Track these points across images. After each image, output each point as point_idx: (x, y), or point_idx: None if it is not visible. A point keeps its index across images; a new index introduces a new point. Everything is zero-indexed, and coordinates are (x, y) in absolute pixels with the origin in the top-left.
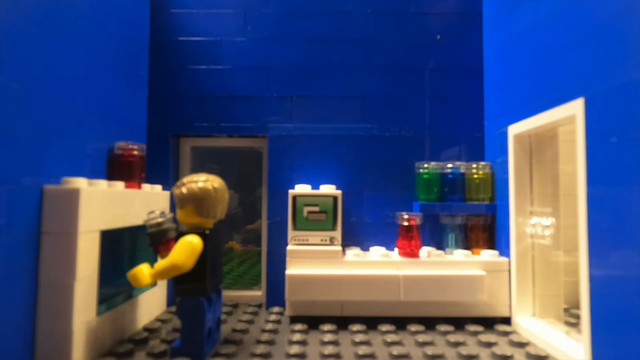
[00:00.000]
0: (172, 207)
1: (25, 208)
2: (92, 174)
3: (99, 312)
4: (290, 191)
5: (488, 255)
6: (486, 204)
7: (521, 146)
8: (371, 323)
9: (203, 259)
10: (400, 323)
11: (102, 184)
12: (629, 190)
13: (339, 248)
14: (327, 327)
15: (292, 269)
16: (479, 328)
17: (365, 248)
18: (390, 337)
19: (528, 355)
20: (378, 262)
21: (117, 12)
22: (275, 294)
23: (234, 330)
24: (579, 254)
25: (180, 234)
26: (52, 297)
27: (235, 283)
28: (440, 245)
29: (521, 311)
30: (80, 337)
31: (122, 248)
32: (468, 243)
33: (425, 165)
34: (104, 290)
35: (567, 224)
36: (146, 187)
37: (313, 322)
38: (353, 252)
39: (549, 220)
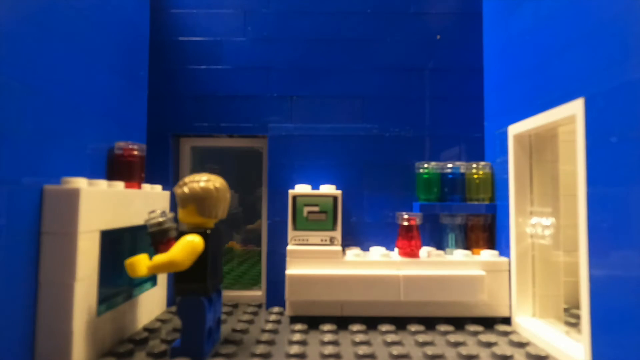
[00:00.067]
0: (172, 207)
1: (25, 208)
2: (92, 174)
3: (99, 312)
4: (290, 191)
5: (488, 255)
6: (486, 204)
7: (521, 146)
8: (371, 323)
9: (204, 259)
10: (400, 323)
11: (102, 184)
12: (629, 190)
13: (339, 248)
14: (327, 327)
15: (292, 269)
16: (479, 328)
17: (365, 248)
18: (390, 337)
19: (528, 355)
20: (378, 262)
21: (117, 12)
22: (275, 294)
23: (234, 330)
24: (579, 254)
25: (181, 234)
26: (52, 297)
27: (235, 283)
28: (440, 245)
29: (521, 311)
30: (80, 337)
31: (122, 248)
32: (468, 243)
33: (425, 165)
34: (104, 290)
35: (567, 224)
36: (146, 187)
37: (313, 322)
38: (353, 252)
39: (549, 220)
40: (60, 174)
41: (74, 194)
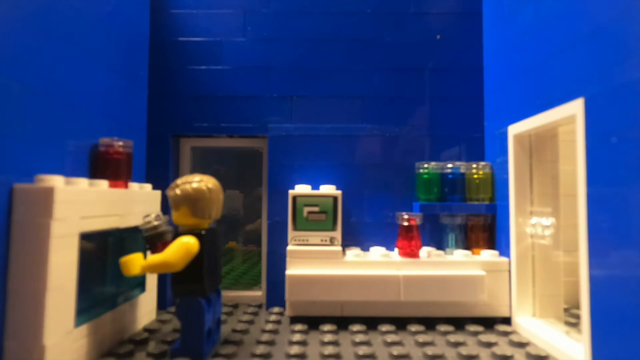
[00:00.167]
0: (164, 207)
1: None
2: (82, 173)
3: (78, 323)
4: (290, 191)
5: (488, 255)
6: (486, 204)
7: (521, 146)
8: (371, 323)
9: (200, 260)
10: (401, 323)
11: (83, 182)
12: (629, 190)
13: (339, 248)
14: (327, 327)
15: (292, 269)
16: (479, 328)
17: (365, 248)
18: (390, 337)
19: (528, 355)
20: (378, 262)
21: (117, 12)
22: (276, 294)
23: (234, 331)
24: (579, 254)
25: (177, 235)
26: (22, 308)
27: (235, 283)
28: (440, 245)
29: (521, 311)
30: (54, 352)
31: (107, 252)
32: (468, 243)
33: (425, 165)
34: (83, 299)
35: (567, 224)
36: (134, 186)
37: (313, 323)
38: (353, 252)
39: (549, 220)
40: (51, 173)
41: (47, 193)
